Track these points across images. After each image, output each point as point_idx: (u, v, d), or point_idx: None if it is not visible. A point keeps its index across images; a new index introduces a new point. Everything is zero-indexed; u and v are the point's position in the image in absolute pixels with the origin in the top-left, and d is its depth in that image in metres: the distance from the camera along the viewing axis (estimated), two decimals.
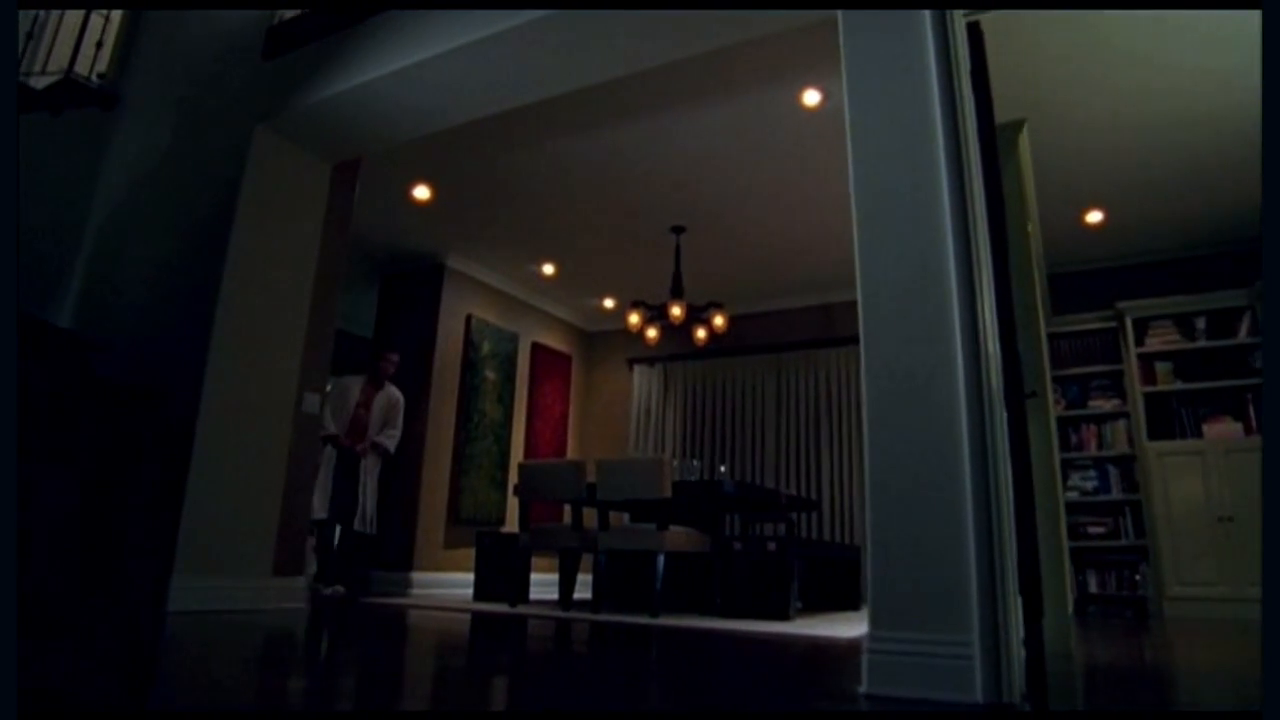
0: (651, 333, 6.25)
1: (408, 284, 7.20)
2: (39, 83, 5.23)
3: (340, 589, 5.58)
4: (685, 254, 6.42)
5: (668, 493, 4.50)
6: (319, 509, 5.42)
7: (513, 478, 7.38)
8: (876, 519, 2.15)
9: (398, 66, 3.77)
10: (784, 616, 4.40)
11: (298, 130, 4.32)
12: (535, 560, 6.80)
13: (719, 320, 5.94)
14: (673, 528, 4.57)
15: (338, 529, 5.71)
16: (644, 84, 4.45)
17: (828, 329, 7.68)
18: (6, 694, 1.40)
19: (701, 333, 6.18)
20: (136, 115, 5.22)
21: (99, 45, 5.47)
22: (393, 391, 6.05)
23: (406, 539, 6.43)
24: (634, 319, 5.95)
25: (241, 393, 4.07)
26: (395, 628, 3.55)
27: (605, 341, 8.85)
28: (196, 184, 4.55)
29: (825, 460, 7.34)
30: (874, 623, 2.09)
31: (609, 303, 8.13)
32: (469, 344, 7.06)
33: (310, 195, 4.60)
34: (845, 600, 5.81)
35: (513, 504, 7.35)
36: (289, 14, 4.47)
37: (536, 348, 7.97)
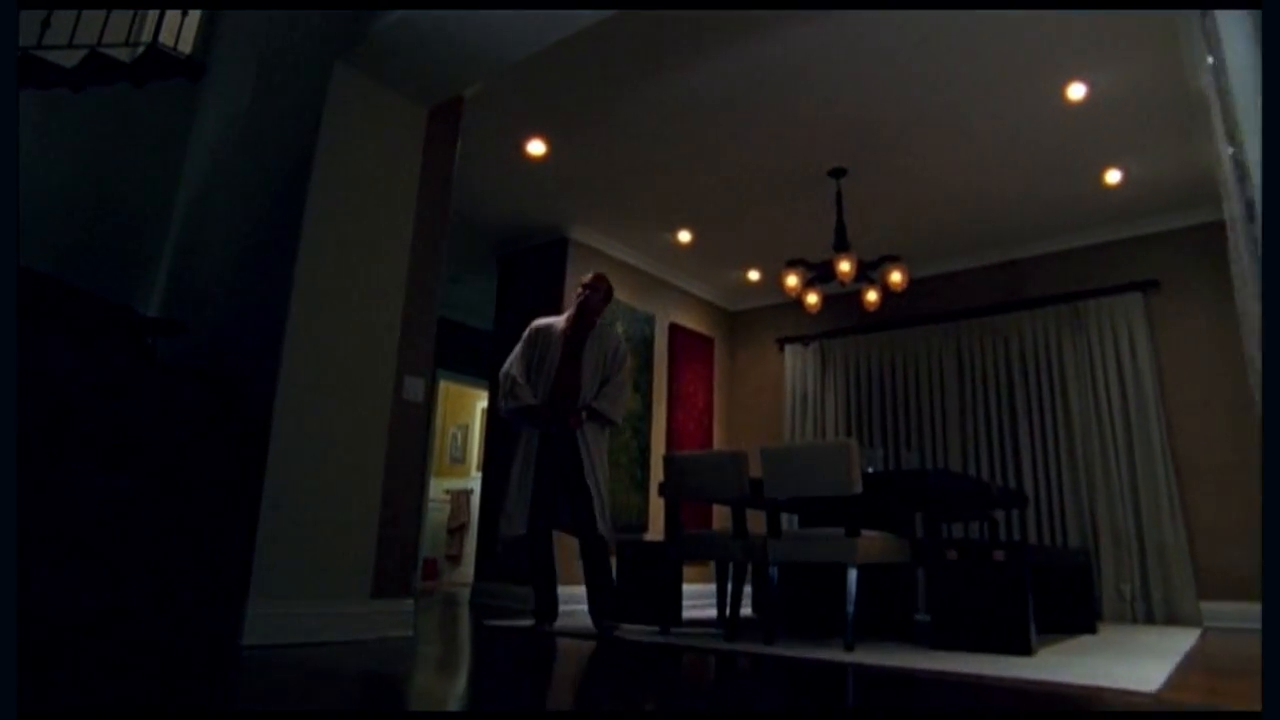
0: (812, 299, 5.23)
1: (528, 263, 6.48)
2: (125, 55, 4.80)
3: (610, 624, 3.93)
4: (845, 204, 5.36)
5: (857, 487, 3.49)
6: (516, 521, 3.93)
7: (654, 476, 6.52)
8: None
9: None
10: (1023, 650, 3.29)
11: (381, 63, 3.60)
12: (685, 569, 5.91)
13: (896, 276, 4.85)
14: (864, 533, 3.56)
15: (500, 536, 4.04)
16: None
17: (1016, 290, 6.41)
18: (6, 694, 1.35)
19: (873, 295, 5.10)
20: (222, 84, 4.71)
21: (184, 13, 5.01)
22: (609, 335, 4.25)
23: None
24: (791, 281, 4.95)
25: (328, 378, 3.37)
26: (522, 665, 2.73)
27: (751, 320, 7.86)
28: (276, 143, 3.92)
29: (1024, 445, 6.07)
30: None
31: (753, 274, 7.14)
32: None
33: (402, 146, 3.88)
34: (1073, 620, 4.58)
35: (656, 507, 6.49)
36: None
37: (675, 330, 7.09)
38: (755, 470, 3.85)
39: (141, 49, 4.58)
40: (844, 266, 4.62)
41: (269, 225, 3.76)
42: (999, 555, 3.46)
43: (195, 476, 3.15)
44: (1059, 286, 6.19)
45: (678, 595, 4.39)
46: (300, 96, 3.82)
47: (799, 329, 7.34)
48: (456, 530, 9.79)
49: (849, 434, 6.90)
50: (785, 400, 7.32)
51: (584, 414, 4.05)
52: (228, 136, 4.38)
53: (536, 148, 4.98)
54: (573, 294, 4.48)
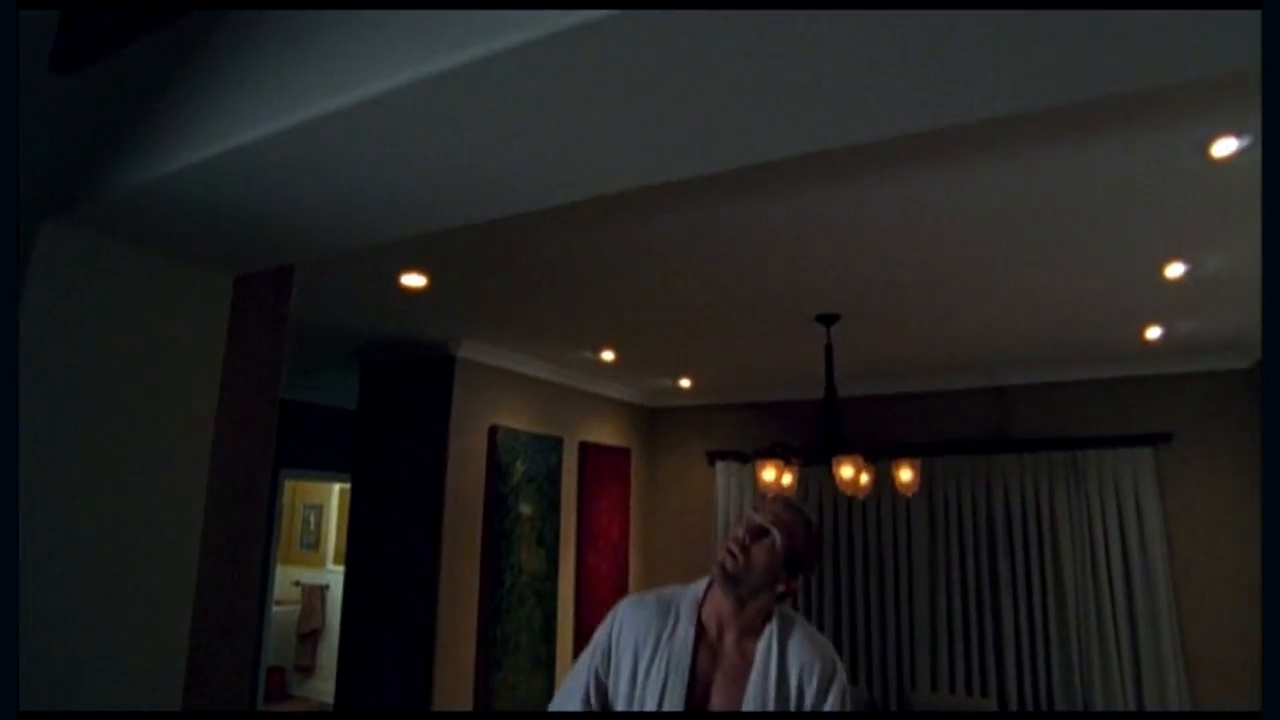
0: (787, 479, 3.99)
1: (399, 384, 4.89)
2: None
3: None
4: (809, 337, 4.10)
5: None
6: None
7: (563, 649, 5.18)
8: None
9: (310, 115, 1.46)
10: None
11: (130, 222, 2.03)
12: None
13: (906, 476, 3.67)
14: None
15: None
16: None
17: (1002, 424, 5.38)
18: (6, 694, 1.30)
19: (864, 478, 3.90)
20: None
21: None
22: (798, 640, 1.84)
23: None
24: (768, 475, 3.70)
25: None
26: None
27: (675, 422, 6.56)
28: None
29: (1007, 617, 5.08)
30: None
31: (685, 382, 5.85)
32: (494, 468, 4.79)
33: (186, 328, 2.31)
34: None
35: None
36: None
37: (586, 450, 5.69)
38: None
39: None
40: (845, 472, 3.40)
41: None
42: None
43: None
44: (1054, 427, 5.19)
45: None
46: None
47: (733, 441, 6.11)
48: (309, 635, 8.14)
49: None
50: (715, 528, 6.10)
51: None
52: None
53: (415, 280, 3.46)
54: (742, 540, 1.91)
